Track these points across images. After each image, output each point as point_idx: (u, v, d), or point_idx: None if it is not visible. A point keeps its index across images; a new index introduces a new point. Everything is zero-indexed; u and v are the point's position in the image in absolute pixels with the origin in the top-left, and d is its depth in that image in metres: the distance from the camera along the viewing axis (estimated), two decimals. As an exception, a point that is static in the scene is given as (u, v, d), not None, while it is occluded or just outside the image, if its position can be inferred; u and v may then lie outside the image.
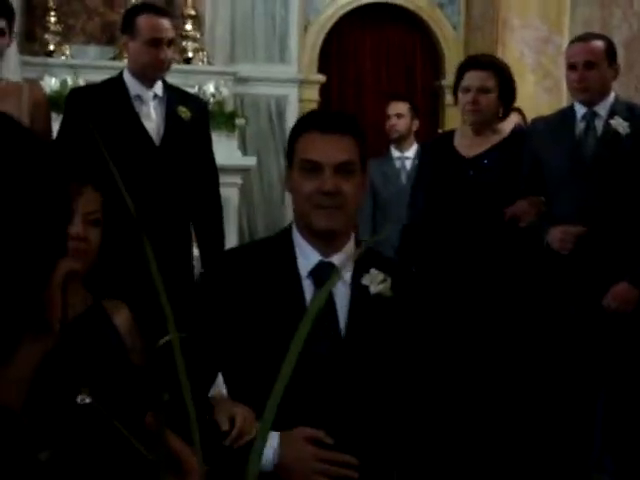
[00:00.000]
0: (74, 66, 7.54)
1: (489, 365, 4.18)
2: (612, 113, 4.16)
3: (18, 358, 0.94)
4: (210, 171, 4.58)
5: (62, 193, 0.98)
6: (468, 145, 4.37)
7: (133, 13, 4.42)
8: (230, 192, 7.40)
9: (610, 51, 4.22)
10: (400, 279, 2.54)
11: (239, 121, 7.82)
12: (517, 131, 4.52)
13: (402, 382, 2.51)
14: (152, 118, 4.38)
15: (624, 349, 4.06)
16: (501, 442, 4.16)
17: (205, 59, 8.03)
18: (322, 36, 8.77)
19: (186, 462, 1.28)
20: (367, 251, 2.62)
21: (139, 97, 4.39)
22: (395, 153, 6.38)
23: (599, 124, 4.17)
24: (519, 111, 6.08)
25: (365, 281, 2.49)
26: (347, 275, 2.52)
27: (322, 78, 8.72)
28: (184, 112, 4.41)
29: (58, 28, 7.76)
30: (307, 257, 2.52)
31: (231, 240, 7.36)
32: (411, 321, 2.54)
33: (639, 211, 4.06)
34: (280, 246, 2.56)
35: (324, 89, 8.75)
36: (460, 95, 4.32)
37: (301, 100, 8.47)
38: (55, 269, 0.97)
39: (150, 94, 4.41)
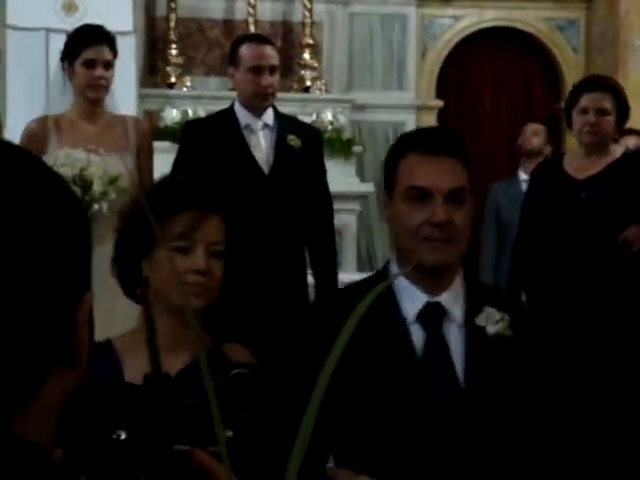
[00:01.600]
0: (195, 97, 7.70)
1: (606, 390, 4.09)
2: None
3: (44, 392, 0.94)
4: (323, 198, 4.59)
5: (82, 226, 0.98)
6: (579, 167, 4.32)
7: (237, 44, 4.51)
8: (348, 219, 7.43)
9: None
10: (517, 315, 2.25)
11: (357, 148, 7.85)
12: (629, 153, 4.46)
13: (531, 430, 2.21)
14: (262, 147, 4.44)
15: None
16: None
17: (323, 87, 8.10)
18: (440, 62, 8.76)
19: None
20: (478, 285, 2.36)
21: (249, 127, 4.45)
22: (522, 175, 6.28)
23: None
24: (639, 133, 5.97)
25: (480, 321, 2.20)
26: (458, 315, 2.22)
27: (440, 104, 8.70)
28: (293, 140, 4.44)
29: (179, 60, 7.93)
30: (411, 299, 2.22)
31: (350, 266, 7.40)
32: (534, 361, 2.24)
33: None
34: (382, 292, 2.30)
35: (442, 115, 8.72)
36: (576, 116, 4.28)
37: (419, 126, 8.45)
38: (80, 302, 0.96)
39: (260, 123, 4.46)
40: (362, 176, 8.06)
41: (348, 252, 7.54)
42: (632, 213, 4.17)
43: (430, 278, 2.20)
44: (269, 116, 4.50)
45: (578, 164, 4.33)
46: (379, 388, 2.12)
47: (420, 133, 2.40)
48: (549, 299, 4.26)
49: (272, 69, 4.41)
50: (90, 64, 4.29)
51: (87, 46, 4.30)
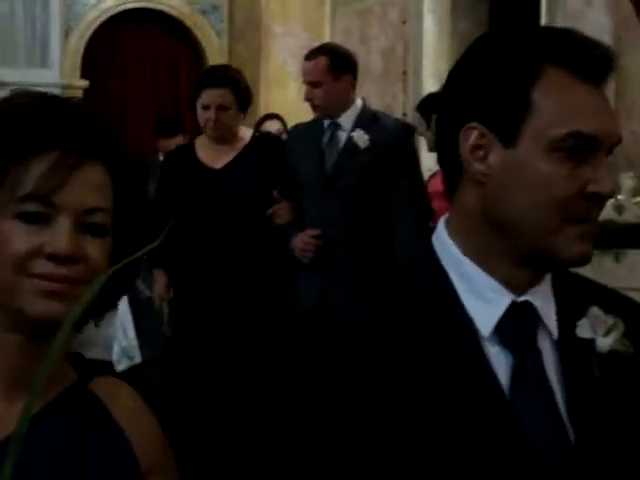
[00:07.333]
0: None
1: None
2: (356, 125, 4.26)
3: None
4: None
5: None
6: (212, 156, 4.40)
7: None
8: None
9: (335, 65, 4.27)
10: (633, 319, 1.39)
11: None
12: (261, 135, 4.63)
13: None
14: None
15: None
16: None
17: (-38, 63, 7.79)
18: (84, 41, 8.67)
19: None
20: (566, 275, 1.42)
21: None
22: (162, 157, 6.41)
23: (342, 136, 4.27)
24: (279, 118, 6.19)
25: (584, 331, 1.36)
26: (552, 322, 1.36)
27: (85, 84, 8.60)
28: None
29: None
30: (486, 298, 1.34)
31: None
32: None
33: (377, 221, 4.19)
34: (428, 286, 1.35)
35: (88, 95, 8.63)
36: (200, 111, 4.34)
37: (64, 106, 8.34)
38: None
39: None
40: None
41: None
42: (269, 195, 4.31)
43: (530, 269, 1.34)
44: None
45: (211, 152, 4.41)
46: (449, 443, 1.28)
47: (563, 36, 1.32)
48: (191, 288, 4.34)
49: None
50: None
51: None
